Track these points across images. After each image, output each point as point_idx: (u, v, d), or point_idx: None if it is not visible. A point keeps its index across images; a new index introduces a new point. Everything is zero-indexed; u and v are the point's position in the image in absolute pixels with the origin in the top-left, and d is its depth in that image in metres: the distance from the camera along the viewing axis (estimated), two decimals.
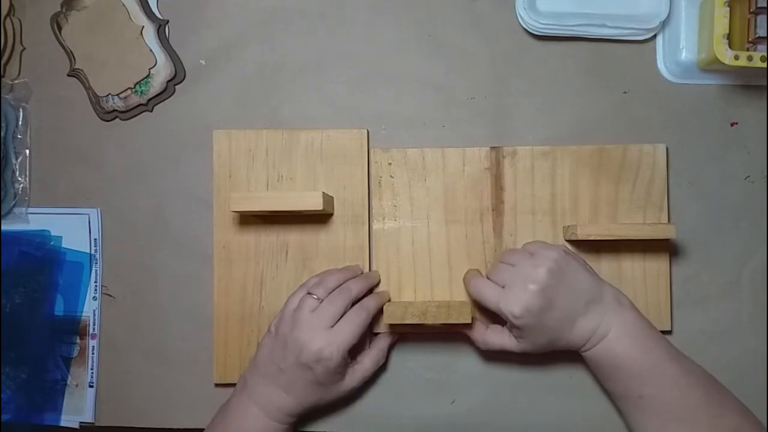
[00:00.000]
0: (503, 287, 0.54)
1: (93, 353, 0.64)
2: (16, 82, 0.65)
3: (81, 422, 0.64)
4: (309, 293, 0.56)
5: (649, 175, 0.61)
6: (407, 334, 0.62)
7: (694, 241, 0.62)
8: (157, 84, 0.64)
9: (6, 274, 0.64)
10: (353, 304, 0.57)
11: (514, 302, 0.53)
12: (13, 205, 0.64)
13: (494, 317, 0.58)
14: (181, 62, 0.64)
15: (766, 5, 0.56)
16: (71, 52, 0.64)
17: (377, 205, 0.62)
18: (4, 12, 0.64)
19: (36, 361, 0.64)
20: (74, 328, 0.64)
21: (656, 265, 0.61)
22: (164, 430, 0.63)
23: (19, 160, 0.64)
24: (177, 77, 0.64)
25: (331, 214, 0.62)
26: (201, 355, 0.63)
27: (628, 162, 0.61)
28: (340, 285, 0.57)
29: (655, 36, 0.63)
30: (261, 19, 0.65)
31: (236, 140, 0.62)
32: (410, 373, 0.62)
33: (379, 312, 0.58)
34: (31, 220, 0.65)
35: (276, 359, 0.55)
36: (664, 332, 0.58)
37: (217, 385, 0.62)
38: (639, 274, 0.60)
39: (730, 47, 0.56)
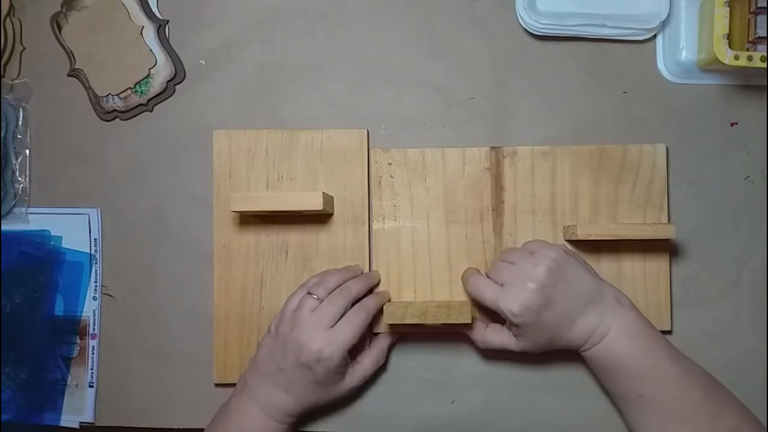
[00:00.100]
0: (502, 285, 0.54)
1: (93, 353, 0.64)
2: (16, 82, 0.65)
3: (81, 422, 0.64)
4: (309, 293, 0.56)
5: (649, 175, 0.61)
6: (407, 334, 0.62)
7: (694, 241, 0.62)
8: (157, 84, 0.64)
9: (6, 274, 0.64)
10: (353, 304, 0.57)
11: (512, 300, 0.53)
12: (13, 205, 0.64)
13: (494, 316, 0.58)
14: (181, 62, 0.64)
15: (766, 5, 0.56)
16: (71, 52, 0.64)
17: (377, 205, 0.62)
18: (4, 12, 0.64)
19: (36, 361, 0.64)
20: (74, 328, 0.64)
21: (656, 265, 0.61)
22: (164, 430, 0.63)
23: (19, 160, 0.64)
24: (177, 77, 0.64)
25: (331, 214, 0.62)
26: (201, 355, 0.63)
27: (628, 162, 0.61)
28: (340, 285, 0.57)
29: (655, 36, 0.63)
30: (261, 19, 0.65)
31: (236, 140, 0.62)
32: (410, 373, 0.62)
33: (379, 312, 0.58)
34: (31, 220, 0.65)
35: (276, 359, 0.55)
36: (664, 332, 0.58)
37: (217, 385, 0.62)
38: (639, 274, 0.60)
39: (730, 47, 0.56)
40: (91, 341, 0.64)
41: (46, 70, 0.65)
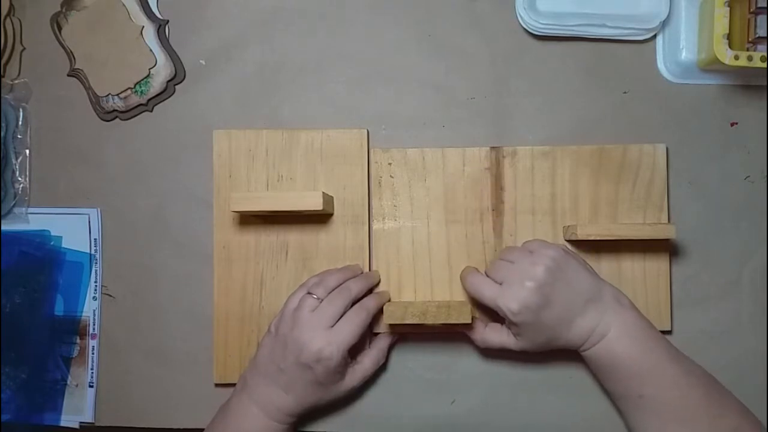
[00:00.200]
0: (501, 284, 0.54)
1: (93, 353, 0.64)
2: (16, 82, 0.65)
3: (81, 422, 0.64)
4: (309, 293, 0.56)
5: (649, 175, 0.61)
6: (407, 334, 0.62)
7: (694, 241, 0.62)
8: (157, 84, 0.64)
9: (6, 274, 0.64)
10: (353, 304, 0.57)
11: (511, 299, 0.53)
12: (13, 205, 0.64)
13: (493, 316, 0.58)
14: (181, 62, 0.64)
15: (766, 5, 0.56)
16: (71, 52, 0.64)
17: (377, 205, 0.62)
18: (4, 12, 0.64)
19: (36, 361, 0.64)
20: (74, 328, 0.64)
21: (656, 265, 0.61)
22: (164, 430, 0.63)
23: (19, 160, 0.64)
24: (177, 77, 0.64)
25: (331, 214, 0.62)
26: (201, 355, 0.63)
27: (628, 162, 0.61)
28: (340, 285, 0.57)
29: (655, 36, 0.63)
30: (261, 19, 0.65)
31: (236, 140, 0.62)
32: (410, 373, 0.62)
33: (379, 312, 0.58)
34: (31, 220, 0.65)
35: (276, 359, 0.55)
36: (664, 332, 0.58)
37: (217, 385, 0.62)
38: (639, 274, 0.60)
39: (730, 47, 0.56)
40: (91, 341, 0.64)
41: (46, 70, 0.65)
